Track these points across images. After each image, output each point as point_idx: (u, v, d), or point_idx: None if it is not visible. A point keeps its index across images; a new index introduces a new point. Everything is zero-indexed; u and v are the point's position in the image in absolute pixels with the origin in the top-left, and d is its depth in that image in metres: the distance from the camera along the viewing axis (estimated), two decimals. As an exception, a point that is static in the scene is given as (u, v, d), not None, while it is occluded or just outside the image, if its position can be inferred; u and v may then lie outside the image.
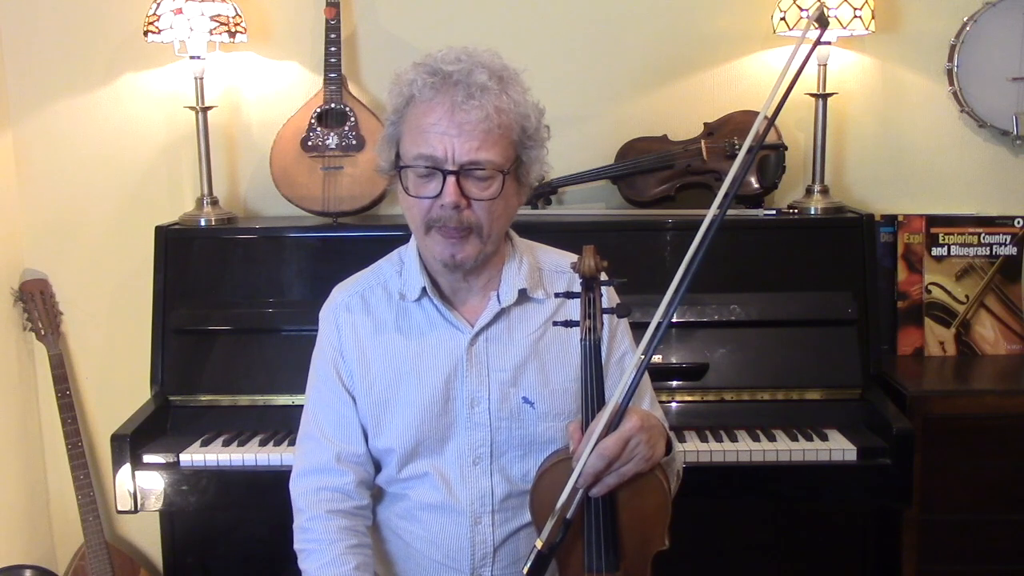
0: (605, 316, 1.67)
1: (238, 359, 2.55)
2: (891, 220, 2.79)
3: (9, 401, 2.89)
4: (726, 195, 1.49)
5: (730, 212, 2.45)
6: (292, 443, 2.33)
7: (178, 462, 2.37)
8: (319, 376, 1.78)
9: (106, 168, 2.92)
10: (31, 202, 2.94)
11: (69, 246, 2.95)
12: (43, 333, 2.86)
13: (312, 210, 2.69)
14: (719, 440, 2.36)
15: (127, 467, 2.36)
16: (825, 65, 2.66)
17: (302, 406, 1.81)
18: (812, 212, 2.68)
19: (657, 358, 2.44)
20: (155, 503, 2.39)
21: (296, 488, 1.76)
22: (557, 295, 1.69)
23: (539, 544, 1.54)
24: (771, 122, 1.61)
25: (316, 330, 1.80)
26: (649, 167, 2.73)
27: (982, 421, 2.41)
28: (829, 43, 2.66)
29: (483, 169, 1.59)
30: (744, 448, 2.31)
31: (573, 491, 1.54)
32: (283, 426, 2.45)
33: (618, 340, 1.77)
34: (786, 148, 2.68)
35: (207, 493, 2.37)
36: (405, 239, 1.78)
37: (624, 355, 1.78)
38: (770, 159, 2.67)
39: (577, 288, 1.60)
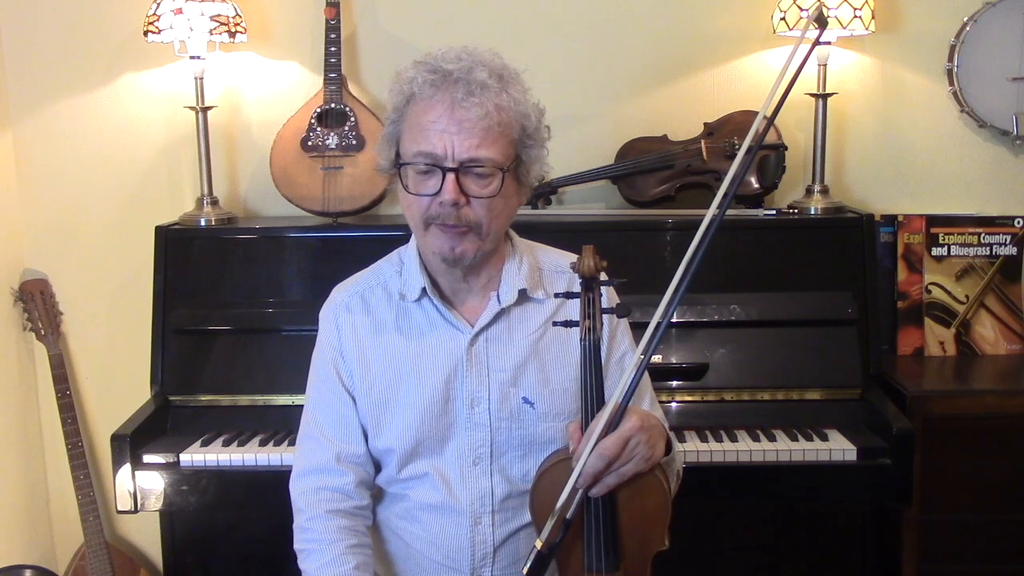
0: (605, 316, 1.67)
1: (238, 359, 2.55)
2: (891, 220, 2.79)
3: (9, 401, 2.89)
4: (725, 195, 1.49)
5: (730, 212, 2.46)
6: (292, 443, 2.33)
7: (178, 462, 2.37)
8: (319, 376, 1.78)
9: (106, 168, 2.92)
10: (31, 202, 2.94)
11: (69, 246, 2.95)
12: (43, 333, 2.86)
13: (312, 210, 2.69)
14: (719, 440, 2.36)
15: (127, 467, 2.36)
16: (825, 65, 2.66)
17: (302, 406, 1.81)
18: (812, 212, 2.68)
19: (657, 358, 2.44)
20: (155, 503, 2.39)
21: (296, 488, 1.76)
22: (557, 295, 1.69)
23: (539, 544, 1.54)
24: (770, 122, 1.61)
25: (316, 330, 1.80)
26: (649, 167, 2.73)
27: (982, 421, 2.41)
28: (829, 43, 2.66)
29: (483, 166, 1.59)
30: (744, 448, 2.31)
31: (573, 491, 1.54)
32: (283, 426, 2.45)
33: (618, 340, 1.77)
34: (786, 148, 2.68)
35: (207, 493, 2.37)
36: (405, 239, 1.79)
37: (624, 355, 1.78)
38: (770, 159, 2.67)
39: (577, 288, 1.60)
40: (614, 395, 1.55)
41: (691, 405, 2.48)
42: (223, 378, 2.54)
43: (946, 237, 2.77)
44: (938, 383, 2.60)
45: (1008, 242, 2.76)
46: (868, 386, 2.46)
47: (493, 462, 1.72)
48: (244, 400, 2.53)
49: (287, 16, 2.85)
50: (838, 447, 2.30)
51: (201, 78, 2.70)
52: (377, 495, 1.80)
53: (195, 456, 2.37)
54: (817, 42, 1.63)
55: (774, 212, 2.69)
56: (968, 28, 2.74)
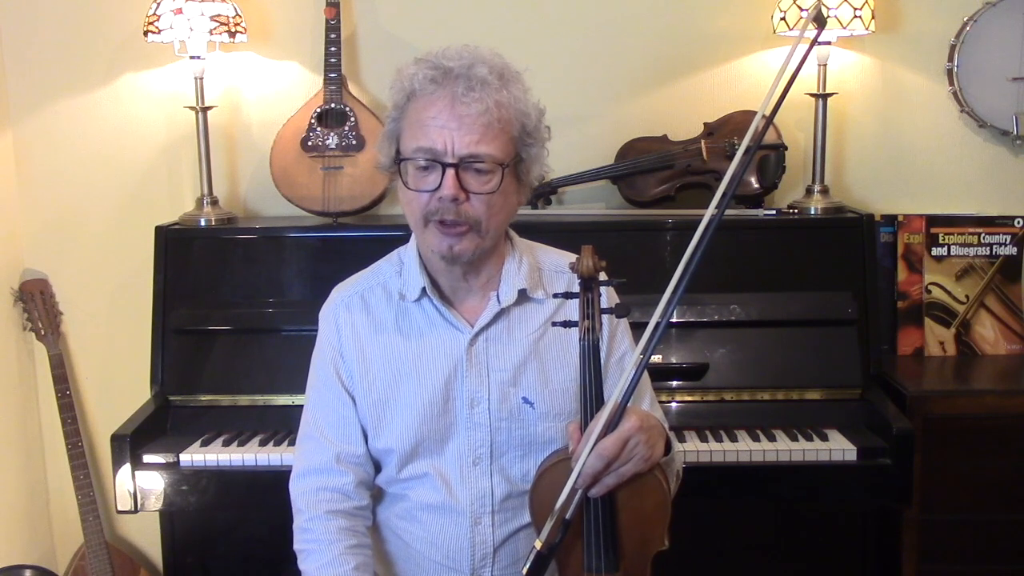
0: (604, 316, 1.67)
1: (238, 359, 2.55)
2: (891, 220, 2.79)
3: (9, 401, 2.89)
4: (724, 195, 1.49)
5: (730, 212, 2.46)
6: (292, 443, 2.33)
7: (178, 462, 2.37)
8: (319, 376, 1.78)
9: (106, 168, 2.92)
10: (31, 202, 2.94)
11: (69, 246, 2.95)
12: (43, 333, 2.86)
13: (312, 210, 2.69)
14: (719, 440, 2.36)
15: (127, 467, 2.36)
16: (825, 65, 2.66)
17: (302, 406, 1.81)
18: (812, 212, 2.68)
19: (657, 358, 2.45)
20: (155, 503, 2.39)
21: (296, 488, 1.76)
22: (556, 295, 1.69)
23: (538, 544, 1.54)
24: (769, 121, 1.61)
25: (316, 330, 1.80)
26: (649, 167, 2.73)
27: (982, 421, 2.41)
28: (829, 43, 2.66)
29: (482, 162, 1.59)
30: (744, 448, 2.31)
31: (572, 491, 1.54)
32: (283, 426, 2.45)
33: (618, 340, 1.77)
34: (786, 148, 2.68)
35: (207, 493, 2.37)
36: (405, 239, 1.79)
37: (624, 355, 1.78)
38: (770, 159, 2.67)
39: (576, 288, 1.60)
40: (613, 395, 1.55)
41: (691, 405, 2.48)
42: (223, 378, 2.54)
43: (946, 237, 2.77)
44: (938, 383, 2.60)
45: (1008, 242, 2.76)
46: (868, 386, 2.46)
47: (493, 462, 1.72)
48: (244, 400, 2.53)
49: (287, 16, 2.85)
50: (838, 447, 2.30)
51: (201, 78, 2.70)
52: (377, 495, 1.80)
53: (195, 456, 2.37)
54: (816, 42, 1.63)
55: (774, 212, 2.69)
56: (968, 28, 2.74)
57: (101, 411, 2.99)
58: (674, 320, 2.48)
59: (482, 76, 1.58)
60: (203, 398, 2.54)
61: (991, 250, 2.76)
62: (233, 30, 2.65)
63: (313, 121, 2.69)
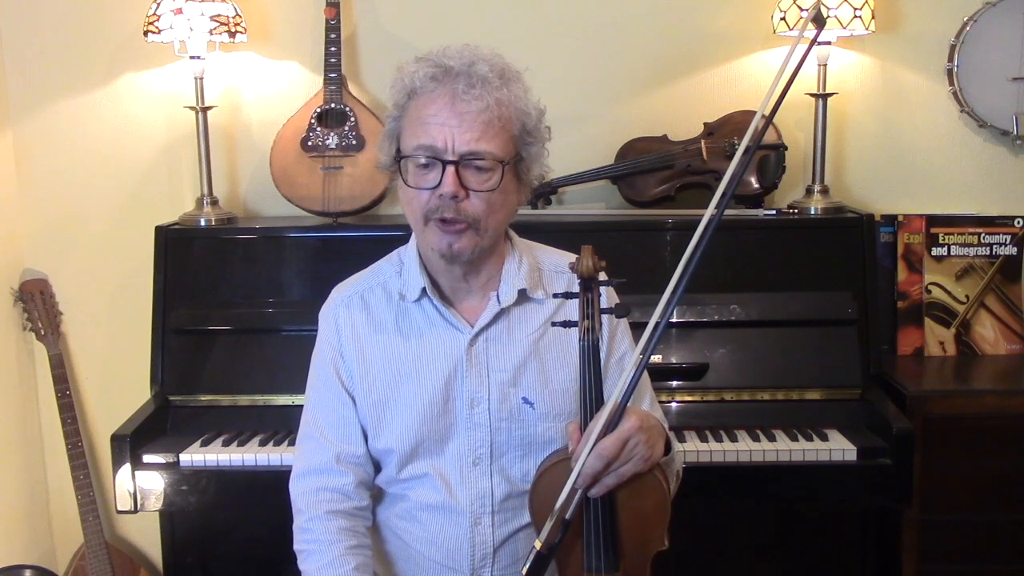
0: (604, 316, 1.67)
1: (238, 359, 2.55)
2: (891, 220, 2.79)
3: (9, 401, 2.89)
4: (724, 195, 1.49)
5: (730, 212, 2.47)
6: (292, 443, 2.33)
7: (178, 462, 2.37)
8: (319, 377, 1.78)
9: (106, 168, 2.92)
10: (31, 202, 2.94)
11: (69, 246, 2.95)
12: (43, 333, 2.86)
13: (312, 210, 2.69)
14: (719, 440, 2.36)
15: (127, 467, 2.36)
16: (825, 65, 2.66)
17: (302, 406, 1.81)
18: (812, 212, 2.68)
19: (657, 358, 2.45)
20: (155, 503, 2.39)
21: (296, 489, 1.76)
22: (556, 295, 1.69)
23: (538, 545, 1.54)
24: (769, 120, 1.61)
25: (316, 330, 1.80)
26: (649, 167, 2.73)
27: (982, 421, 2.41)
28: (829, 43, 2.66)
29: (483, 159, 1.59)
30: (744, 448, 2.31)
31: (572, 491, 1.54)
32: (283, 426, 2.45)
33: (618, 340, 1.77)
34: (786, 148, 2.68)
35: (207, 493, 2.37)
36: (405, 239, 1.79)
37: (624, 355, 1.78)
38: (770, 159, 2.67)
39: (576, 288, 1.60)
40: (613, 395, 1.55)
41: (691, 405, 2.48)
42: (223, 378, 2.54)
43: (946, 237, 2.77)
44: (938, 383, 2.60)
45: (1008, 242, 2.76)
46: (868, 386, 2.46)
47: (493, 462, 1.72)
48: (244, 400, 2.53)
49: (287, 16, 2.85)
50: (838, 447, 2.30)
51: (201, 78, 2.70)
52: (377, 495, 1.80)
53: (195, 456, 2.37)
54: (815, 42, 1.63)
55: (774, 212, 2.69)
56: (968, 28, 2.74)
57: (101, 411, 2.99)
58: (674, 320, 2.48)
59: (483, 74, 1.59)
60: (203, 398, 2.54)
61: (991, 250, 2.76)
62: (233, 30, 2.65)
63: (313, 121, 2.69)
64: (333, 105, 2.69)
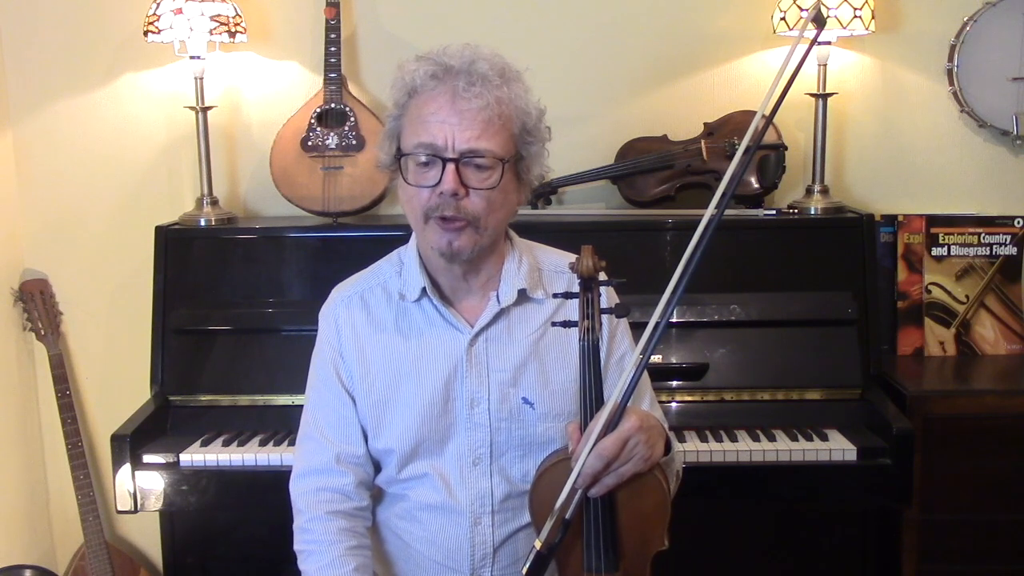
0: (604, 316, 1.67)
1: (238, 359, 2.55)
2: (891, 220, 2.79)
3: (9, 401, 2.89)
4: (724, 195, 1.49)
5: (730, 212, 2.47)
6: (292, 443, 2.33)
7: (178, 462, 2.37)
8: (319, 377, 1.78)
9: (106, 168, 2.92)
10: (31, 202, 2.94)
11: (69, 246, 2.95)
12: (43, 333, 2.86)
13: (312, 210, 2.69)
14: (719, 440, 2.36)
15: (127, 467, 2.36)
16: (825, 65, 2.66)
17: (302, 406, 1.81)
18: (812, 212, 2.68)
19: (657, 358, 2.45)
20: (155, 503, 2.39)
21: (296, 489, 1.76)
22: (556, 295, 1.69)
23: (538, 544, 1.54)
24: (769, 120, 1.61)
25: (316, 330, 1.80)
26: (649, 167, 2.73)
27: (982, 421, 2.40)
28: (829, 43, 2.66)
29: (483, 157, 1.59)
30: (744, 448, 2.31)
31: (572, 491, 1.54)
32: (283, 426, 2.45)
33: (618, 340, 1.77)
34: (786, 148, 2.68)
35: (207, 493, 2.37)
36: (405, 239, 1.79)
37: (624, 355, 1.78)
38: (770, 159, 2.67)
39: (576, 288, 1.60)
40: (613, 395, 1.55)
41: (691, 405, 2.48)
42: (223, 378, 2.54)
43: (946, 237, 2.77)
44: (938, 383, 2.60)
45: (1008, 242, 2.76)
46: (868, 386, 2.46)
47: (493, 462, 1.72)
48: (244, 400, 2.53)
49: (287, 16, 2.85)
50: (838, 447, 2.30)
51: (201, 78, 2.70)
52: (377, 495, 1.80)
53: (195, 456, 2.37)
54: (815, 41, 1.63)
55: (774, 212, 2.69)
56: (968, 28, 2.74)
57: (101, 411, 2.99)
58: (674, 320, 2.48)
59: (483, 72, 1.59)
60: (203, 398, 2.54)
61: (991, 250, 2.76)
62: (233, 30, 2.65)
63: (313, 121, 2.69)
64: (333, 105, 2.69)
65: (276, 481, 1.98)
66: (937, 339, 2.76)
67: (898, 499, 2.32)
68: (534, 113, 1.66)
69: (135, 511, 2.39)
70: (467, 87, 1.58)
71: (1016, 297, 2.76)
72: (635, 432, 1.53)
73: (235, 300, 2.60)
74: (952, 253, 2.77)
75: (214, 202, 2.77)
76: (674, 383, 2.48)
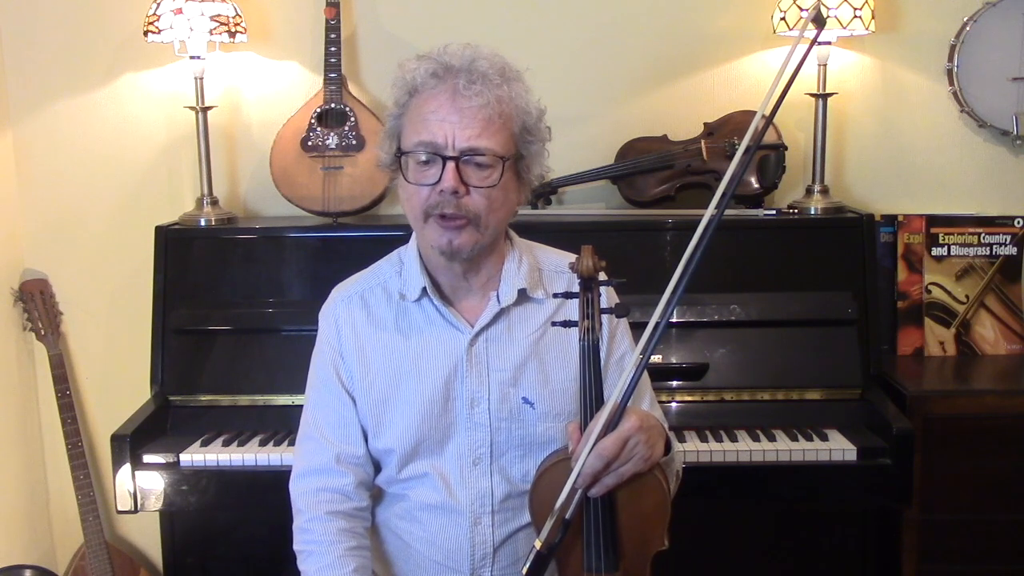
0: (604, 316, 1.67)
1: (238, 359, 2.55)
2: (891, 220, 2.79)
3: (9, 401, 2.89)
4: (724, 195, 1.49)
5: (730, 212, 2.47)
6: (292, 443, 2.33)
7: (178, 462, 2.37)
8: (318, 377, 1.78)
9: (106, 168, 2.92)
10: (31, 202, 2.94)
11: (69, 246, 2.95)
12: (43, 333, 2.86)
13: (312, 210, 2.69)
14: (719, 440, 2.36)
15: (127, 467, 2.36)
16: (825, 65, 2.66)
17: (302, 406, 1.81)
18: (812, 212, 2.68)
19: (657, 358, 2.44)
20: (155, 503, 2.39)
21: (296, 489, 1.76)
22: (556, 295, 1.69)
23: (538, 544, 1.54)
24: (769, 121, 1.61)
25: (316, 330, 1.80)
26: (649, 167, 2.73)
27: (982, 421, 2.40)
28: (829, 43, 2.66)
29: (483, 156, 1.59)
30: (744, 448, 2.31)
31: (572, 491, 1.54)
32: (283, 426, 2.45)
33: (618, 340, 1.77)
34: (786, 148, 2.68)
35: (207, 493, 2.37)
36: (405, 239, 1.79)
37: (624, 355, 1.78)
38: (770, 159, 2.67)
39: (576, 288, 1.60)
40: (613, 395, 1.55)
41: (691, 405, 2.48)
42: (223, 378, 2.54)
43: (946, 237, 2.77)
44: (938, 383, 2.60)
45: (1008, 242, 2.76)
46: (868, 386, 2.46)
47: (493, 462, 1.72)
48: (244, 400, 2.53)
49: (287, 16, 2.85)
50: (838, 447, 2.30)
51: (201, 78, 2.70)
52: (377, 495, 1.80)
53: (195, 456, 2.37)
54: (815, 42, 1.63)
55: (774, 212, 2.69)
56: (968, 28, 2.74)
57: (101, 411, 2.99)
58: (674, 320, 2.48)
59: (484, 71, 1.59)
60: (203, 398, 2.54)
61: (991, 250, 2.76)
62: (233, 30, 2.65)
63: (313, 121, 2.69)
64: (333, 105, 2.69)
65: (276, 481, 1.98)
66: (937, 339, 2.76)
67: (898, 499, 2.32)
68: (534, 112, 1.66)
69: (135, 511, 2.39)
70: (467, 85, 1.58)
71: (1016, 297, 2.76)
72: (635, 432, 1.53)
73: (235, 300, 2.60)
74: (952, 253, 2.77)
75: (214, 202, 2.77)
76: (674, 383, 2.48)
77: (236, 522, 2.72)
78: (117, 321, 2.96)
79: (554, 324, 1.66)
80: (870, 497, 2.39)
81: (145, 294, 2.66)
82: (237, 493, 2.39)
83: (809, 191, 2.74)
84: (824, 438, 2.35)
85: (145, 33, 2.64)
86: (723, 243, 2.45)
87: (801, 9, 2.59)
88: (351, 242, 2.62)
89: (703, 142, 2.72)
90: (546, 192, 2.75)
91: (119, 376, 2.93)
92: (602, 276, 1.58)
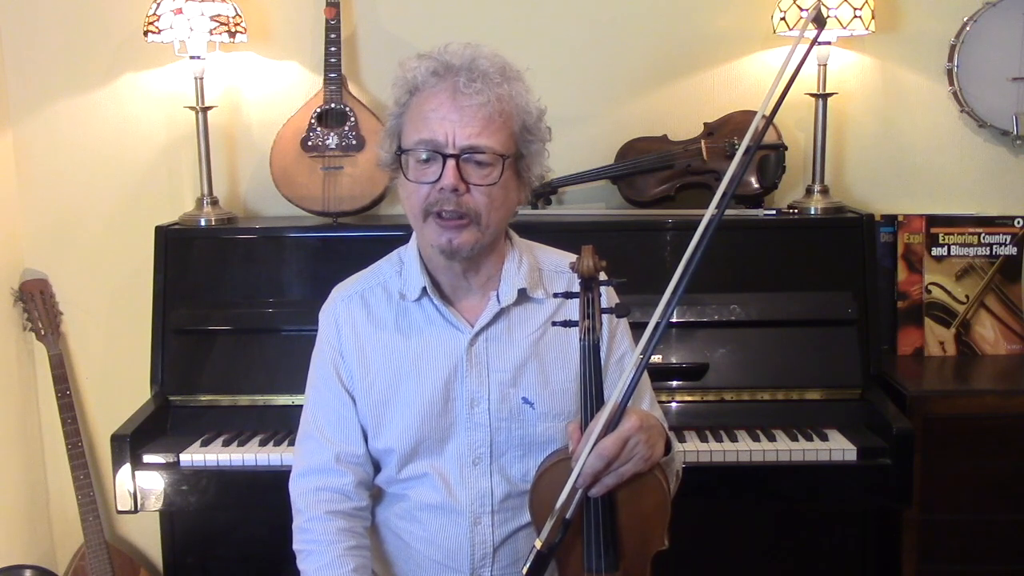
0: (604, 316, 1.67)
1: (238, 359, 2.55)
2: (891, 220, 2.79)
3: (9, 401, 2.89)
4: (724, 195, 1.49)
5: (730, 212, 2.46)
6: (292, 443, 2.33)
7: (178, 462, 2.37)
8: (318, 376, 1.78)
9: (106, 168, 2.92)
10: (31, 202, 2.94)
11: (69, 246, 2.95)
12: (43, 333, 2.86)
13: (312, 210, 2.69)
14: (719, 440, 2.36)
15: (127, 467, 2.36)
16: (825, 65, 2.66)
17: (302, 406, 1.81)
18: (812, 212, 2.68)
19: (657, 358, 2.45)
20: (155, 503, 2.39)
21: (296, 488, 1.76)
22: (556, 295, 1.69)
23: (538, 544, 1.54)
24: (769, 121, 1.61)
25: (316, 330, 1.80)
26: (649, 167, 2.73)
27: (982, 421, 2.40)
28: (829, 43, 2.66)
29: (483, 154, 1.59)
30: (744, 448, 2.31)
31: (572, 491, 1.54)
32: (283, 426, 2.45)
33: (618, 340, 1.77)
34: (786, 148, 2.68)
35: (207, 493, 2.37)
36: (405, 239, 1.79)
37: (624, 355, 1.78)
38: (770, 159, 2.67)
39: (576, 288, 1.60)
40: (613, 395, 1.55)
41: (691, 405, 2.48)
42: (223, 378, 2.54)
43: (946, 237, 2.77)
44: (938, 383, 2.60)
45: (1008, 242, 2.76)
46: (868, 386, 2.46)
47: (493, 462, 1.72)
48: (244, 400, 2.53)
49: (287, 16, 2.85)
50: (838, 447, 2.30)
51: (201, 78, 2.70)
52: (377, 495, 1.80)
53: (195, 456, 2.37)
54: (815, 42, 1.63)
55: (774, 212, 2.69)
56: (968, 28, 2.74)
57: (101, 411, 2.99)
58: (674, 320, 2.48)
59: (484, 69, 1.60)
60: (203, 398, 2.54)
61: (991, 250, 2.76)
62: (233, 30, 2.65)
63: (313, 121, 2.69)
64: (333, 105, 2.69)
65: (276, 481, 1.98)
66: (937, 339, 2.76)
67: (898, 499, 2.32)
68: (534, 112, 1.66)
69: (135, 511, 2.39)
70: (468, 84, 1.58)
71: (1016, 297, 2.76)
72: (635, 432, 1.53)
73: (235, 300, 2.60)
74: (952, 253, 2.77)
75: (214, 202, 2.77)
76: (674, 383, 2.48)
77: (236, 522, 2.73)
78: (117, 321, 2.96)
79: (554, 324, 1.66)
80: (870, 497, 2.39)
81: (145, 294, 2.66)
82: (237, 493, 2.39)
83: (809, 191, 2.74)
84: (824, 438, 2.35)
85: (145, 33, 2.64)
86: (723, 243, 2.45)
87: (801, 9, 2.59)
88: (351, 242, 2.62)
89: (703, 142, 2.72)
90: (546, 192, 2.75)
91: (119, 376, 2.93)
92: (602, 276, 1.58)
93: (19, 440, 2.94)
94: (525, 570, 1.54)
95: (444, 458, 1.73)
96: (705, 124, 2.76)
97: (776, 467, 2.30)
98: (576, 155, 2.79)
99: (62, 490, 2.99)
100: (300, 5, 2.83)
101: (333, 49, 2.67)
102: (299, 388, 1.85)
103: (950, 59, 2.77)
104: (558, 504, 1.55)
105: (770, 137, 2.66)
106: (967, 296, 2.76)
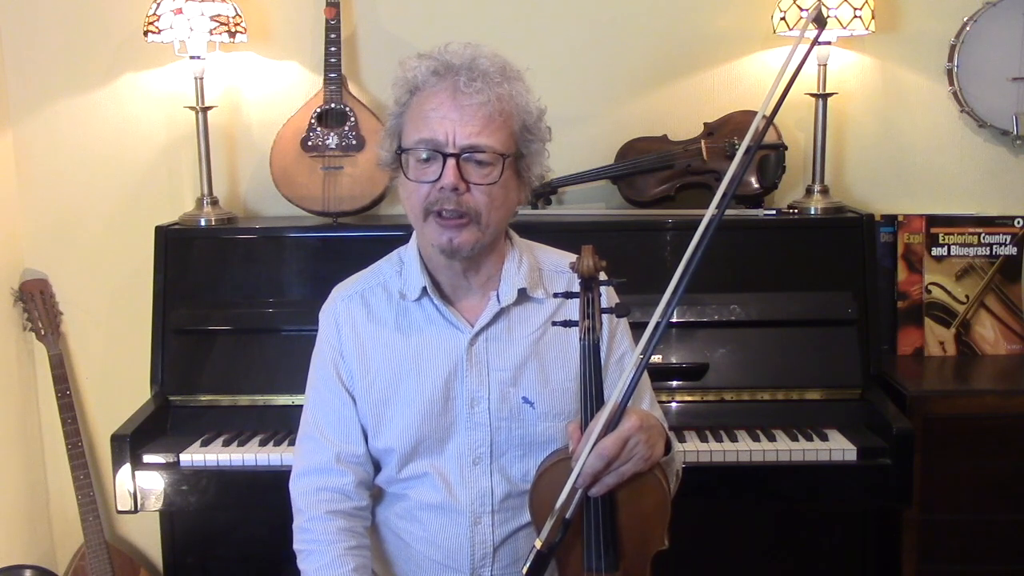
0: (604, 316, 1.67)
1: (238, 359, 2.55)
2: (891, 220, 2.79)
3: (9, 401, 2.89)
4: (724, 195, 1.49)
5: (730, 212, 2.46)
6: (292, 443, 2.33)
7: (178, 462, 2.37)
8: (319, 376, 1.78)
9: (106, 168, 2.92)
10: (31, 202, 2.94)
11: (69, 246, 2.95)
12: (43, 333, 2.86)
13: (312, 210, 2.69)
14: (719, 440, 2.36)
15: (127, 467, 2.36)
16: (825, 65, 2.66)
17: (302, 406, 1.82)
18: (812, 212, 2.68)
19: (657, 358, 2.45)
20: (155, 503, 2.39)
21: (296, 488, 1.76)
22: (556, 295, 1.69)
23: (538, 544, 1.54)
24: (769, 121, 1.61)
25: (316, 330, 1.80)
26: (649, 167, 2.73)
27: (982, 421, 2.40)
28: (829, 43, 2.66)
29: (483, 153, 1.60)
30: (744, 448, 2.31)
31: (572, 491, 1.54)
32: (283, 426, 2.45)
33: (618, 340, 1.77)
34: (786, 148, 2.68)
35: (207, 493, 2.37)
36: (405, 239, 1.79)
37: (624, 355, 1.78)
38: (770, 159, 2.67)
39: (576, 288, 1.60)
40: (613, 395, 1.55)
41: (691, 405, 2.48)
42: (223, 378, 2.54)
43: (946, 237, 2.77)
44: (938, 383, 2.60)
45: (1008, 242, 2.76)
46: (868, 386, 2.46)
47: (493, 462, 1.72)
48: (244, 400, 2.53)
49: (287, 16, 2.86)
50: (838, 447, 2.30)
51: (201, 78, 2.70)
52: (377, 495, 1.80)
53: (195, 456, 2.37)
54: (816, 42, 1.63)
55: (774, 212, 2.69)
56: (968, 28, 2.74)
57: (101, 411, 2.99)
58: (674, 320, 2.48)
59: (484, 68, 1.60)
60: (203, 398, 2.54)
61: (991, 250, 2.76)
62: (233, 30, 2.65)
63: (313, 121, 2.69)
64: (333, 105, 2.69)
65: (276, 481, 1.98)
66: (937, 339, 2.76)
67: (898, 499, 2.32)
68: (534, 112, 1.66)
69: (135, 511, 2.39)
70: (468, 83, 1.58)
71: (1016, 297, 2.76)
72: (635, 432, 1.53)
73: (235, 300, 2.60)
74: (952, 253, 2.77)
75: (214, 202, 2.77)
76: (674, 383, 2.48)
77: (236, 522, 2.73)
78: (117, 321, 2.96)
79: (554, 324, 1.66)
80: (870, 497, 2.39)
81: (145, 294, 2.66)
82: (237, 493, 2.39)
83: (809, 191, 2.74)
84: (824, 438, 2.35)
85: (145, 33, 2.64)
86: (723, 243, 2.45)
87: (801, 9, 2.59)
88: (351, 242, 2.62)
89: (703, 142, 2.72)
90: (546, 192, 2.75)
91: (119, 376, 2.93)
92: (602, 276, 1.58)
93: (19, 440, 2.94)
94: (525, 570, 1.54)
95: (444, 458, 1.73)
96: (705, 124, 2.76)
97: (776, 467, 2.30)
98: (576, 155, 2.79)
99: (62, 490, 2.99)
100: (300, 5, 2.83)
101: (333, 49, 2.67)
102: (299, 388, 1.85)
103: (950, 59, 2.77)
104: (558, 504, 1.55)
105: (770, 137, 2.66)
106: (967, 296, 2.76)
